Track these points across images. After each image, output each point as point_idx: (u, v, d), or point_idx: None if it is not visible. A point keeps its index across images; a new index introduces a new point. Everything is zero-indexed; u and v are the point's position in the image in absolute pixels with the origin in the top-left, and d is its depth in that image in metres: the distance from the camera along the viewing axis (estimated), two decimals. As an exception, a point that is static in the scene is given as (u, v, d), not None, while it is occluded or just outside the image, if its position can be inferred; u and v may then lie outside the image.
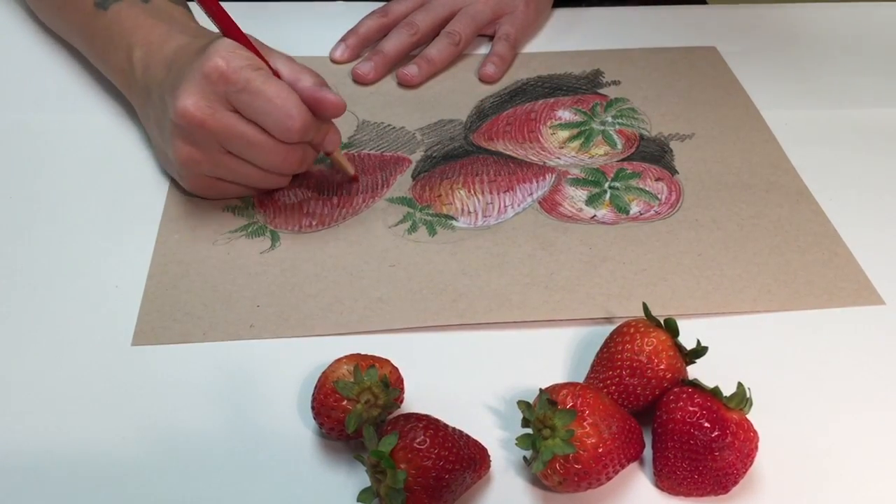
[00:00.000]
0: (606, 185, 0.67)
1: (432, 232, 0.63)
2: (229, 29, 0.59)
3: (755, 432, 0.46)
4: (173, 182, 0.65)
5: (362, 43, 0.80)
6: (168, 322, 0.55)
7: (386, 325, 0.56)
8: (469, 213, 0.65)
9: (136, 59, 0.64)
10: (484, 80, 0.79)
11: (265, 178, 0.62)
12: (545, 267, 0.60)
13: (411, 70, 0.77)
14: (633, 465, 0.49)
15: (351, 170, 0.66)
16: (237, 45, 0.58)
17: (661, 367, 0.48)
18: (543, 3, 0.86)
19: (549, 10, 0.88)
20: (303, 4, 0.88)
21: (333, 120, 0.62)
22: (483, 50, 0.82)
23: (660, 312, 0.55)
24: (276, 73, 0.59)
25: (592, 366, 0.51)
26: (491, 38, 0.83)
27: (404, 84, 0.77)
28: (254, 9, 0.86)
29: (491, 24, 0.82)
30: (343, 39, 0.80)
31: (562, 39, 0.85)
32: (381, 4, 0.82)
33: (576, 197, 0.66)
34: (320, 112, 0.58)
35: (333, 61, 0.80)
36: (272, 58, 0.60)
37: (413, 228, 0.63)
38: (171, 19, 0.66)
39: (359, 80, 0.78)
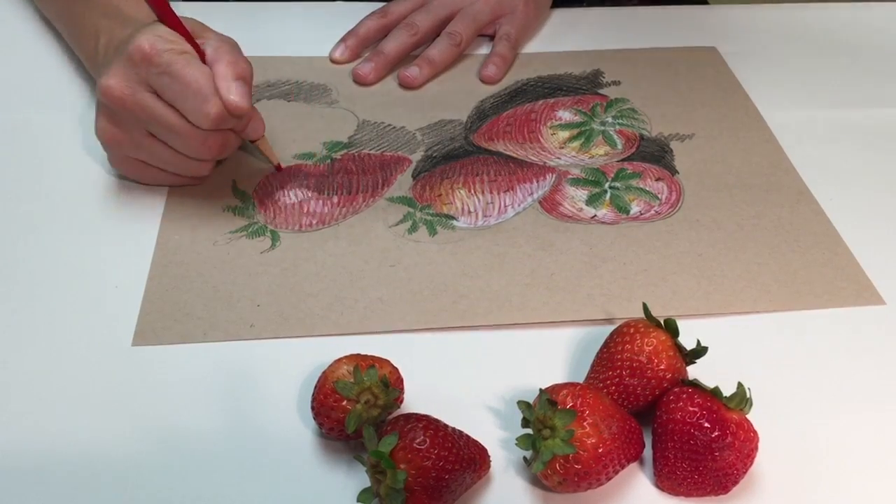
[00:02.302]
0: (607, 184, 0.67)
1: (432, 231, 0.63)
2: (164, 14, 0.59)
3: (755, 432, 0.46)
4: (173, 182, 0.66)
5: (362, 43, 0.80)
6: (168, 322, 0.55)
7: (386, 325, 0.56)
8: (469, 212, 0.65)
9: (101, 46, 0.65)
10: (485, 80, 0.79)
11: (185, 162, 0.62)
12: (545, 267, 0.60)
13: (412, 71, 0.77)
14: (633, 465, 0.49)
15: (275, 159, 0.66)
16: (167, 30, 0.58)
17: (661, 367, 0.48)
18: (543, 3, 0.86)
19: (548, 10, 0.88)
20: (303, 4, 0.88)
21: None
22: (484, 50, 0.82)
23: (660, 312, 0.55)
24: (203, 58, 0.59)
25: (592, 366, 0.51)
26: (491, 38, 0.83)
27: (405, 85, 0.77)
28: (254, 9, 0.86)
29: (491, 24, 0.82)
30: (343, 40, 0.80)
31: (562, 39, 0.85)
32: (380, 5, 0.82)
33: (576, 197, 0.66)
34: (244, 130, 0.61)
35: (333, 61, 0.80)
36: (208, 42, 0.59)
37: (413, 228, 0.63)
38: (137, 5, 0.65)
39: (359, 81, 0.77)
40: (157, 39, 0.57)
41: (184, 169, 0.63)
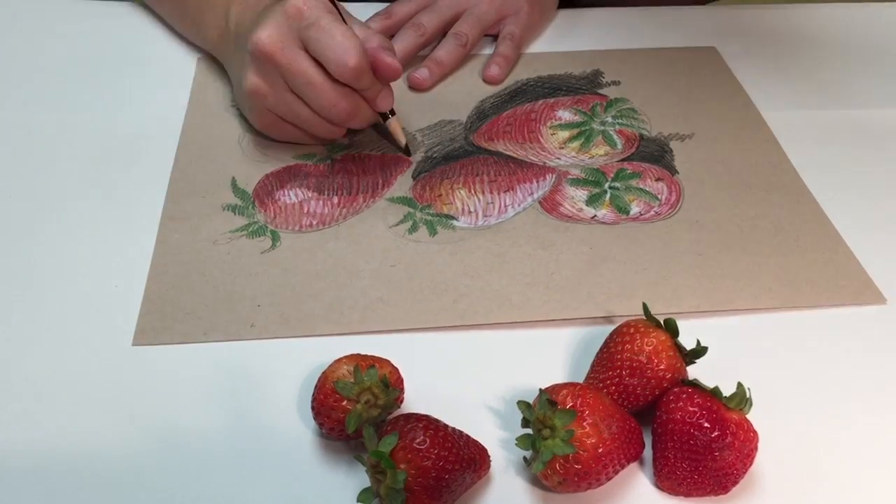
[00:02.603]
0: (606, 185, 0.67)
1: (433, 232, 0.63)
2: None
3: (755, 432, 0.46)
4: (173, 182, 0.66)
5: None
6: (169, 322, 0.55)
7: (387, 325, 0.56)
8: (469, 212, 0.65)
9: (232, 14, 0.70)
10: (488, 81, 0.79)
11: (318, 123, 0.66)
12: (546, 267, 0.60)
13: (422, 73, 0.77)
14: (633, 465, 0.49)
15: (403, 140, 0.69)
16: None
17: (661, 367, 0.48)
18: (548, 5, 0.86)
19: (553, 12, 0.88)
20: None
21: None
22: (487, 50, 0.82)
23: (661, 310, 0.55)
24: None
25: (592, 366, 0.51)
26: (495, 38, 0.83)
27: (415, 87, 0.77)
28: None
29: (496, 24, 0.82)
30: None
31: (562, 39, 0.85)
32: (383, 6, 0.82)
33: (576, 197, 0.66)
34: (377, 70, 0.63)
35: None
36: (351, 21, 0.65)
37: (414, 228, 0.63)
38: None
39: None
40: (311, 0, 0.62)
41: (316, 129, 0.66)
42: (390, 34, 0.80)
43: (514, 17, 0.82)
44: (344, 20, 0.63)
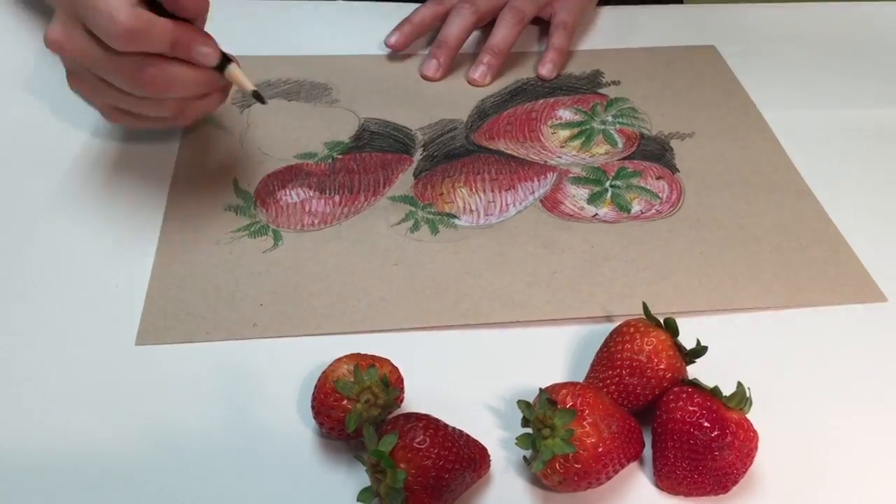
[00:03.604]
0: (608, 183, 0.67)
1: (434, 230, 0.63)
2: None
3: (755, 432, 0.46)
4: (175, 181, 0.66)
5: (416, 30, 0.80)
6: (171, 322, 0.56)
7: (389, 324, 0.56)
8: (471, 211, 0.65)
9: None
10: (542, 78, 0.78)
11: (142, 105, 0.57)
12: (547, 265, 0.60)
13: (480, 72, 0.77)
14: (633, 465, 0.49)
15: (249, 85, 0.57)
16: None
17: (661, 366, 0.48)
18: None
19: None
20: (302, 4, 0.88)
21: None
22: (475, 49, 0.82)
23: (663, 309, 0.55)
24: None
25: (592, 365, 0.51)
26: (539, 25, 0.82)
27: (476, 86, 0.77)
28: (254, 8, 0.86)
29: (547, 5, 0.81)
30: (398, 27, 0.80)
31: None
32: (380, 5, 0.81)
33: (577, 195, 0.66)
34: (177, 7, 0.53)
35: (389, 47, 0.79)
36: None
37: (415, 227, 0.63)
38: None
39: (427, 79, 0.78)
40: None
41: (146, 110, 0.58)
42: (441, 21, 0.79)
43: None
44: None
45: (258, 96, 0.58)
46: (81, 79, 0.58)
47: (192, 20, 0.55)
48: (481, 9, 0.78)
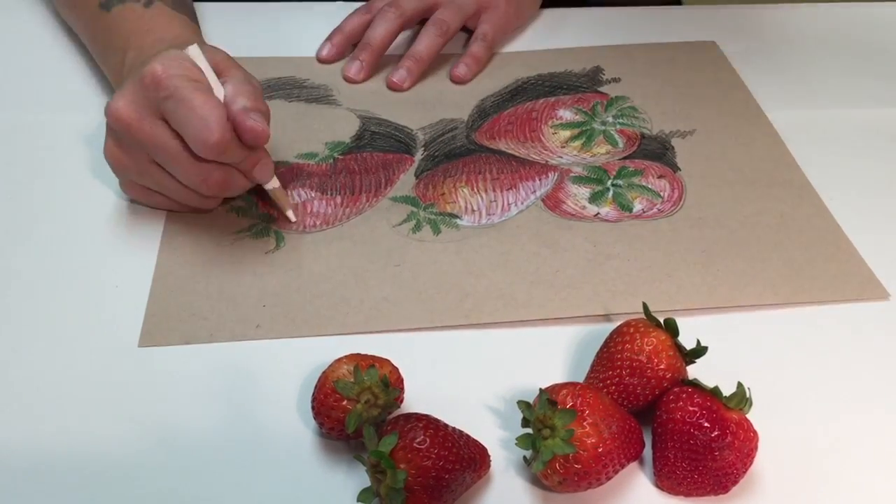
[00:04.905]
0: (609, 182, 0.67)
1: (436, 230, 0.63)
2: None
3: (755, 432, 0.46)
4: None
5: (348, 40, 0.80)
6: (174, 323, 0.56)
7: (392, 325, 0.56)
8: (473, 211, 0.65)
9: (128, 61, 0.65)
10: (455, 80, 0.78)
11: (188, 195, 0.60)
12: (549, 265, 0.60)
13: (400, 76, 0.77)
14: (633, 465, 0.49)
15: (289, 211, 0.63)
16: (182, 56, 0.57)
17: (661, 366, 0.48)
18: (525, 3, 0.85)
19: (533, 11, 0.87)
20: (302, 4, 0.88)
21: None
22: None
23: (665, 307, 0.55)
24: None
25: (592, 365, 0.51)
26: (469, 33, 0.82)
27: (394, 90, 0.77)
28: (254, 8, 0.86)
29: (475, 16, 0.81)
30: (329, 38, 0.80)
31: (562, 39, 0.85)
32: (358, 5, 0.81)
33: (579, 195, 0.66)
34: (240, 136, 0.56)
35: (321, 61, 0.80)
36: (230, 80, 0.58)
37: (417, 227, 0.63)
38: (169, 26, 0.66)
39: (349, 81, 0.78)
40: (171, 64, 0.56)
41: (188, 200, 0.61)
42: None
43: (490, 13, 0.81)
44: (209, 82, 0.57)
45: (290, 222, 0.63)
46: (128, 154, 0.59)
47: None
48: (407, 13, 0.78)
